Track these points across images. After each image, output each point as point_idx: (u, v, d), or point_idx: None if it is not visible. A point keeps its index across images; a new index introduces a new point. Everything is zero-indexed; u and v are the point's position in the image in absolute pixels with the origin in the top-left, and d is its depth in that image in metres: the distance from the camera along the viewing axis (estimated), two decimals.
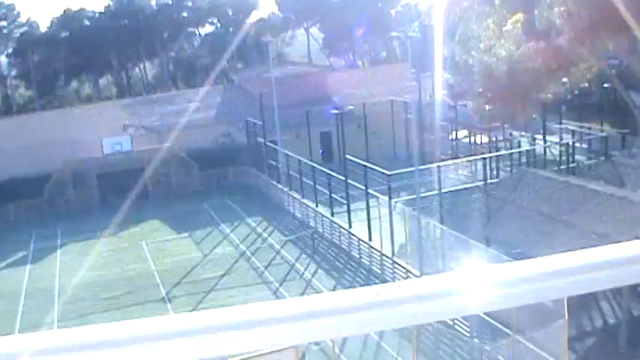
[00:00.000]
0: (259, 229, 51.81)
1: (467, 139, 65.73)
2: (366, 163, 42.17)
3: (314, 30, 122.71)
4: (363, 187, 42.65)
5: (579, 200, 36.47)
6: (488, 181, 44.16)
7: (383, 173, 40.17)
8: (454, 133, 67.07)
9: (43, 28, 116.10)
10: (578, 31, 23.08)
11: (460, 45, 27.07)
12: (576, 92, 65.99)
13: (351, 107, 48.32)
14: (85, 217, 60.26)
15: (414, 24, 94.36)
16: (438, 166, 41.85)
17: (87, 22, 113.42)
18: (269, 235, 50.23)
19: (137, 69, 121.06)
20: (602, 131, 57.27)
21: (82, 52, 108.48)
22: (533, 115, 59.84)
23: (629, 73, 25.72)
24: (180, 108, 73.54)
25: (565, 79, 29.71)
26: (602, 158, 51.11)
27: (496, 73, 26.28)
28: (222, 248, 48.65)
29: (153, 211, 58.79)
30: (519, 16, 26.87)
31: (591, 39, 23.12)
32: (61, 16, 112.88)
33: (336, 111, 47.98)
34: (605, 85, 59.32)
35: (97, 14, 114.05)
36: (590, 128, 59.66)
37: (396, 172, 40.55)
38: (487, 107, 29.18)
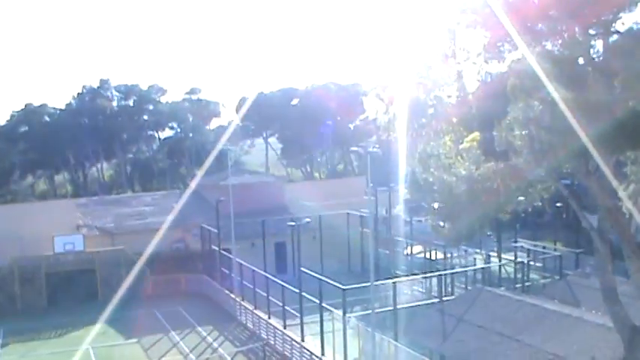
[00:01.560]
0: (210, 339, 50.72)
1: (422, 255, 65.80)
2: (320, 277, 41.79)
3: (273, 140, 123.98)
4: (317, 301, 42.11)
5: (534, 319, 36.43)
6: (444, 298, 44.02)
7: (337, 287, 39.71)
8: (409, 248, 67.21)
9: (2, 120, 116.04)
10: (537, 153, 23.40)
11: (420, 163, 27.34)
12: (530, 210, 67.00)
13: (308, 220, 48.11)
14: (31, 316, 58.57)
15: (371, 138, 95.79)
16: (394, 282, 41.63)
17: (47, 118, 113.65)
18: (219, 345, 49.15)
19: (94, 168, 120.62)
20: (555, 250, 57.84)
21: (40, 147, 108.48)
22: (488, 233, 60.43)
23: (584, 194, 26.02)
24: (136, 211, 73.08)
25: (522, 198, 29.98)
26: (557, 277, 51.47)
27: (455, 192, 26.44)
28: (171, 356, 47.36)
29: (101, 314, 57.24)
30: (476, 134, 27.21)
31: (549, 161, 23.40)
32: (22, 110, 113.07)
33: (292, 223, 47.78)
34: (558, 205, 60.43)
35: (57, 111, 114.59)
36: (544, 247, 60.27)
37: (351, 286, 40.20)
38: (445, 225, 29.31)
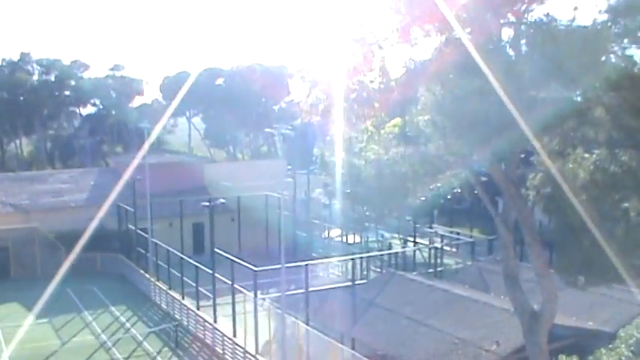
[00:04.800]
0: (123, 319, 50.24)
1: (339, 238, 66.10)
2: (233, 258, 41.60)
3: (197, 120, 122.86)
4: (230, 282, 41.99)
5: (444, 304, 36.98)
6: (357, 282, 44.29)
7: (250, 269, 39.62)
8: (327, 231, 67.49)
9: None
10: (445, 140, 23.55)
11: (329, 146, 27.33)
12: (449, 197, 67.87)
13: (222, 200, 47.75)
14: None
15: (296, 121, 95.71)
16: (306, 265, 41.67)
17: None
18: (132, 326, 48.77)
19: (13, 144, 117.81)
20: (471, 237, 58.74)
21: None
22: (407, 218, 61.03)
23: (492, 181, 26.32)
24: (53, 188, 71.77)
25: (437, 184, 30.16)
26: (469, 263, 52.30)
27: (364, 176, 26.52)
28: (83, 337, 46.80)
29: (12, 293, 56.38)
30: (398, 120, 27.27)
31: (458, 147, 23.59)
32: None
33: (207, 203, 47.41)
34: (476, 192, 61.12)
35: None
36: (459, 233, 61.17)
37: (263, 268, 40.14)
38: (354, 208, 29.47)
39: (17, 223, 63.88)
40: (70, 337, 46.56)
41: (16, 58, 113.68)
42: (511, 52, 22.81)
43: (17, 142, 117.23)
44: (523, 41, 22.64)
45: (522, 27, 22.76)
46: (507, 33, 23.18)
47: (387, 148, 25.98)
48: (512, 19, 22.86)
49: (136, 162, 66.73)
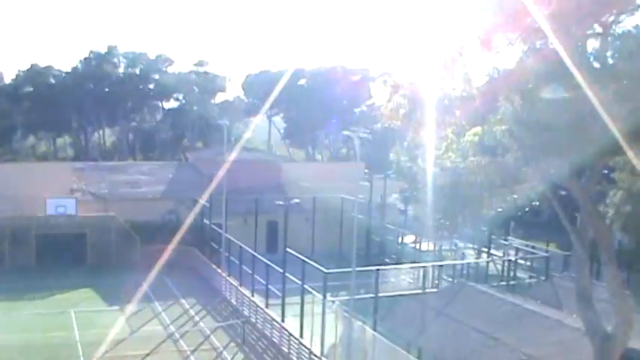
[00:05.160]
0: (192, 312, 50.73)
1: (413, 245, 65.52)
2: (304, 258, 41.48)
3: (278, 119, 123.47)
4: (300, 282, 41.96)
5: (514, 319, 36.20)
6: (428, 290, 43.83)
7: (320, 270, 39.50)
8: (401, 237, 66.97)
9: (8, 79, 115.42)
10: (524, 151, 23.09)
11: (407, 152, 27.07)
12: (526, 210, 66.66)
13: (297, 200, 47.82)
14: (18, 276, 58.74)
15: (376, 125, 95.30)
16: (377, 269, 41.38)
17: (52, 80, 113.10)
18: (201, 319, 49.17)
19: (96, 134, 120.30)
20: (547, 251, 57.53)
21: (43, 109, 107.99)
22: (482, 228, 60.18)
23: (571, 195, 25.65)
24: (132, 179, 72.96)
25: (513, 196, 29.62)
26: (543, 278, 51.21)
27: (439, 184, 26.19)
28: (152, 326, 47.36)
29: (87, 279, 57.59)
30: (478, 129, 26.83)
31: (535, 160, 23.08)
32: (28, 70, 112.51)
33: (281, 202, 47.48)
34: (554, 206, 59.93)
35: (63, 74, 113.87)
36: (534, 247, 59.98)
37: (333, 270, 39.99)
38: (429, 216, 29.13)
39: (95, 211, 65.13)
40: (140, 326, 47.12)
41: (103, 50, 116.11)
42: (596, 65, 22.19)
43: (100, 132, 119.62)
44: (609, 53, 22.03)
45: (609, 38, 22.12)
46: (592, 45, 22.58)
47: (464, 156, 25.58)
48: (598, 30, 22.23)
49: (213, 157, 67.52)
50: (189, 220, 60.18)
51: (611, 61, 21.80)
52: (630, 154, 22.59)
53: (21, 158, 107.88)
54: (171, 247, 63.81)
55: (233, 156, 60.75)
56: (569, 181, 23.60)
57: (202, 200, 61.73)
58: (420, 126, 25.10)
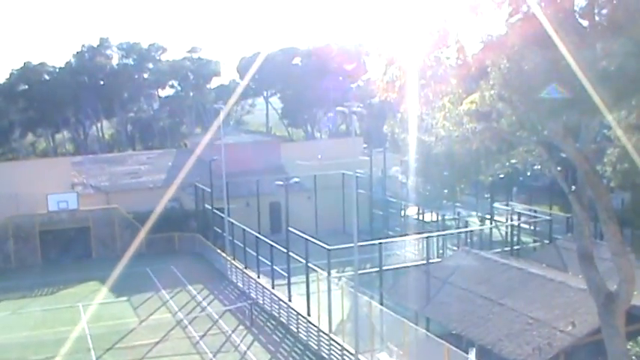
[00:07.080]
0: (199, 297, 50.77)
1: (416, 216, 65.47)
2: (306, 237, 41.49)
3: (274, 100, 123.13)
4: (304, 261, 41.96)
5: (518, 283, 36.22)
6: (432, 260, 43.79)
7: (323, 247, 39.48)
8: (404, 209, 66.92)
9: (2, 79, 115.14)
10: (517, 115, 22.93)
11: (400, 123, 26.88)
12: (528, 174, 66.51)
13: (296, 179, 47.70)
14: (24, 273, 59.32)
15: (373, 99, 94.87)
16: (380, 243, 41.34)
17: (46, 77, 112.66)
18: (208, 304, 49.21)
19: (95, 127, 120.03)
20: (549, 214, 57.46)
21: (40, 106, 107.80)
22: (485, 195, 60.05)
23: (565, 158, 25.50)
24: (132, 169, 73.00)
25: (511, 161, 29.50)
26: (547, 242, 51.21)
27: (434, 153, 26.04)
28: (160, 314, 47.51)
29: (94, 272, 57.81)
30: (475, 96, 26.62)
31: (530, 122, 22.94)
32: (21, 68, 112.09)
33: (280, 182, 47.38)
34: (558, 169, 59.73)
35: (57, 69, 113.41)
36: (536, 211, 59.89)
37: (336, 247, 39.97)
38: (425, 186, 28.99)
39: (98, 204, 65.26)
40: (148, 315, 47.32)
41: (95, 43, 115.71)
42: (583, 22, 21.93)
43: (98, 125, 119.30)
44: (596, 10, 21.76)
45: None
46: (579, 2, 22.31)
47: (458, 124, 25.37)
48: None
49: (211, 142, 67.35)
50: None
51: (597, 18, 21.56)
52: (622, 112, 22.47)
53: (21, 157, 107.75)
54: (175, 234, 64.27)
55: (231, 139, 60.65)
56: (564, 142, 23.39)
57: (203, 186, 61.70)
58: (414, 97, 24.94)
